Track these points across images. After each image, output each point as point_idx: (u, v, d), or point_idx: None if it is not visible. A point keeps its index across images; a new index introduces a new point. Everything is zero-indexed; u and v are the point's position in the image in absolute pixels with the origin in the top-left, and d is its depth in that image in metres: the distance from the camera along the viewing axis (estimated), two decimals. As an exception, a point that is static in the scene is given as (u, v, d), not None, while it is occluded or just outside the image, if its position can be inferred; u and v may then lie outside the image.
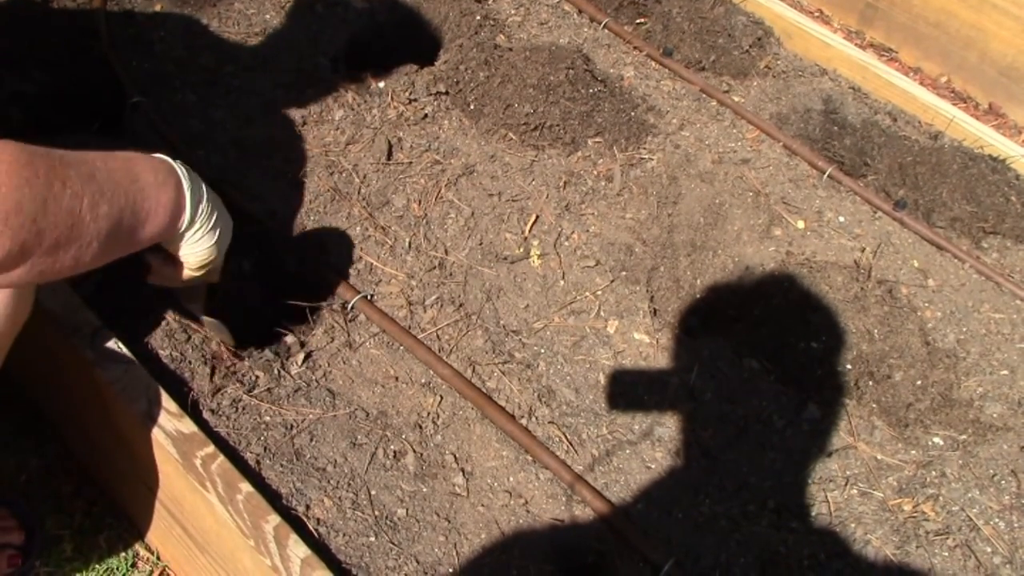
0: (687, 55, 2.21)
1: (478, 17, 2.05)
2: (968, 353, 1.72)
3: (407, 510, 1.28)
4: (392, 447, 1.34)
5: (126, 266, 1.36)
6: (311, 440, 1.31)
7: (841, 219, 1.93)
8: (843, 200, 1.98)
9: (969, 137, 2.14)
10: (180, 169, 1.08)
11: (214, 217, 1.14)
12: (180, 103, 1.73)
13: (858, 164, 2.05)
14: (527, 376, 1.48)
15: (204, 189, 1.13)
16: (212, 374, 1.33)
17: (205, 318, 1.34)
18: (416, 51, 2.04)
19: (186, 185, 1.08)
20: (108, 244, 0.93)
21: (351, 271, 1.56)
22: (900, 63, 2.77)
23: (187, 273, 1.19)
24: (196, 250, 1.14)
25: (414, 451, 1.34)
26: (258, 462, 1.26)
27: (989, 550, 1.44)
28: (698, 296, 1.74)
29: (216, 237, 1.16)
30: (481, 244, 1.66)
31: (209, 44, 1.86)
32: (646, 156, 1.92)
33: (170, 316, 1.36)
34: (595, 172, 1.85)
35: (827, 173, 2.00)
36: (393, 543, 1.23)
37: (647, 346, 1.59)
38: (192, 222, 1.10)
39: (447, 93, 1.89)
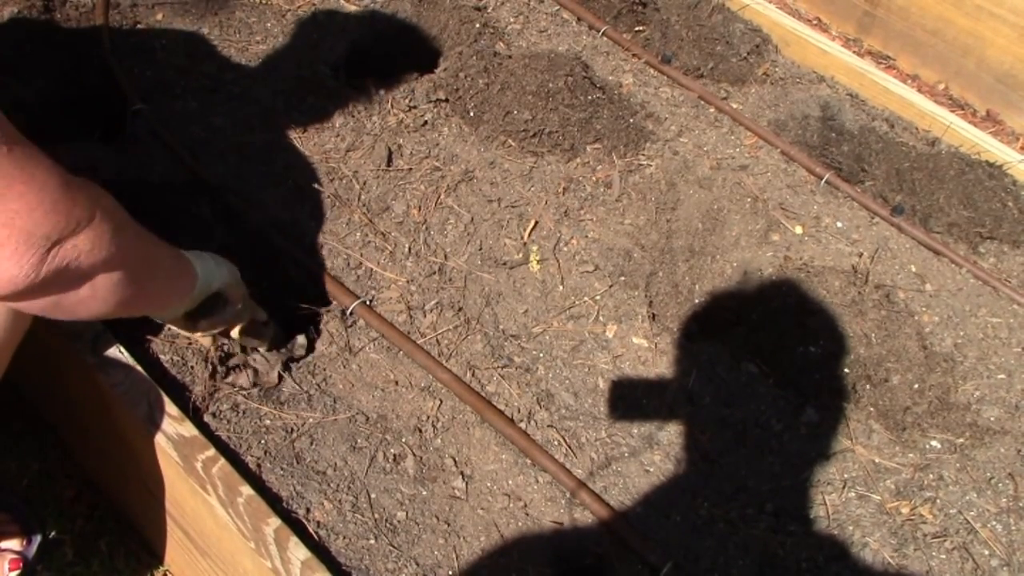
0: (685, 62, 2.22)
1: (478, 25, 2.06)
2: (965, 357, 1.73)
3: (407, 513, 1.28)
4: (392, 451, 1.35)
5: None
6: (311, 443, 1.32)
7: (839, 224, 1.94)
8: (841, 206, 1.99)
9: (966, 143, 2.15)
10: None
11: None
12: (181, 110, 1.74)
13: (856, 170, 2.06)
14: (526, 380, 1.49)
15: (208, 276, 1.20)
16: (212, 378, 1.33)
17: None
18: (416, 59, 2.05)
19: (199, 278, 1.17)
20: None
21: (351, 276, 1.57)
22: (898, 70, 2.78)
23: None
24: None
25: (414, 455, 1.35)
26: (259, 465, 1.27)
27: (986, 553, 1.45)
28: (696, 301, 1.75)
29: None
30: (480, 249, 1.67)
31: (210, 52, 1.88)
32: (645, 162, 1.93)
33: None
34: (594, 178, 1.87)
35: (825, 179, 2.01)
36: (393, 546, 1.24)
37: (646, 350, 1.60)
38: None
39: (447, 100, 1.90)
